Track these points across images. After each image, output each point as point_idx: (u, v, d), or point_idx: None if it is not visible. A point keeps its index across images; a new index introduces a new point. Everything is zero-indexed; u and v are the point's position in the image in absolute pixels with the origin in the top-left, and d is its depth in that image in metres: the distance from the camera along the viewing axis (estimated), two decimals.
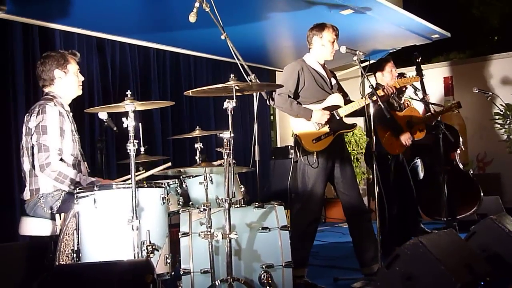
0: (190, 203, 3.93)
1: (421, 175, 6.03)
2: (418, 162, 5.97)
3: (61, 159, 3.57)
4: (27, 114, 3.72)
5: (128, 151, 2.99)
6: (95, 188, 3.09)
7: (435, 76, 8.86)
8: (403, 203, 5.34)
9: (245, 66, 3.76)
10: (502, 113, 7.35)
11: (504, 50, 8.59)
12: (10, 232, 4.42)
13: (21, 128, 3.80)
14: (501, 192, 7.68)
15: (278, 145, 9.25)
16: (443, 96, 8.73)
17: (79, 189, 3.18)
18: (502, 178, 7.94)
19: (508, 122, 7.12)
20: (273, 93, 4.11)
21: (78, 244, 3.11)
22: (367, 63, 7.84)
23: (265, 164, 7.89)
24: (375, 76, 5.47)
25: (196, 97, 6.23)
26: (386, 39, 7.47)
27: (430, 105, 5.53)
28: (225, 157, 3.09)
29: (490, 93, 6.41)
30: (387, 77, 5.30)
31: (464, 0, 10.77)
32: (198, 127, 4.22)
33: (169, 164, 3.97)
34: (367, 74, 4.20)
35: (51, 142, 3.54)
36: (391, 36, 7.28)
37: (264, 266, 3.21)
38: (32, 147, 3.60)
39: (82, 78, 3.93)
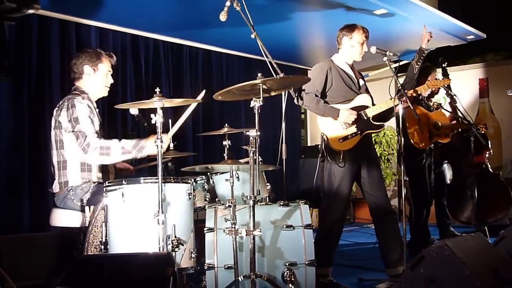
0: (216, 199, 3.97)
1: (449, 178, 5.97)
2: (445, 165, 5.91)
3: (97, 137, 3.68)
4: (56, 108, 3.83)
5: (156, 146, 3.06)
6: (124, 182, 3.17)
7: (470, 77, 8.73)
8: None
9: (274, 65, 3.78)
10: None
11: None
12: (43, 223, 4.55)
13: None
14: None
15: (308, 144, 9.25)
16: (478, 98, 8.59)
17: (108, 183, 3.26)
18: None
19: None
20: (302, 92, 4.12)
21: (106, 236, 3.20)
22: (402, 63, 7.86)
23: (295, 163, 7.91)
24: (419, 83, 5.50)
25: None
26: (420, 39, 7.35)
27: (458, 110, 5.48)
28: (251, 155, 3.12)
29: None
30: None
31: (502, 0, 10.53)
32: (226, 124, 4.26)
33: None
34: (398, 74, 4.18)
35: (86, 128, 3.65)
36: None
37: (287, 264, 3.23)
38: (63, 141, 3.72)
39: (111, 81, 4.01)
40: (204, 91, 3.91)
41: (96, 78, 3.91)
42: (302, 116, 9.30)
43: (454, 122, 5.58)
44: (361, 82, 4.39)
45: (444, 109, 5.57)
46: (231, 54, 7.49)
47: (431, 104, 5.59)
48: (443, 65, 5.58)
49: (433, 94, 5.58)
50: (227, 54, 7.46)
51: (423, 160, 5.30)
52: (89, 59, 3.89)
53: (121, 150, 3.61)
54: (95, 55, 3.92)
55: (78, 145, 3.63)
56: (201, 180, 4.03)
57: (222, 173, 4.05)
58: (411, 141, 5.18)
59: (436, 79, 5.19)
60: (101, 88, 3.96)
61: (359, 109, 4.20)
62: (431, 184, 5.46)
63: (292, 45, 7.35)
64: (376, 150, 8.37)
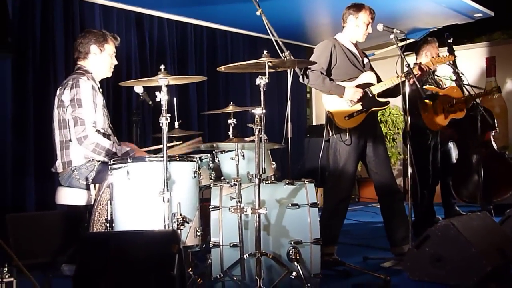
0: (222, 178, 3.97)
1: (454, 158, 5.94)
2: (451, 144, 5.87)
3: (97, 131, 3.66)
4: (60, 88, 3.83)
5: (161, 124, 3.05)
6: (129, 160, 3.17)
7: (477, 56, 8.63)
8: (433, 185, 5.34)
9: (280, 43, 3.74)
10: None
11: None
12: (48, 201, 4.57)
13: None
14: None
15: (314, 123, 9.23)
16: (485, 77, 8.51)
17: (113, 160, 3.26)
18: None
19: None
20: (307, 70, 4.09)
21: (111, 214, 3.21)
22: (408, 41, 7.78)
23: (300, 142, 7.90)
24: (418, 54, 5.43)
25: (231, 73, 6.25)
26: (427, 17, 7.30)
27: (467, 86, 5.42)
28: (256, 133, 3.11)
29: None
30: (433, 55, 5.25)
31: None
32: (232, 103, 4.24)
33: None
34: (405, 53, 4.13)
35: (86, 115, 3.65)
36: (432, 14, 7.11)
37: (292, 242, 3.22)
38: (67, 120, 3.71)
39: (115, 62, 4.02)
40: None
41: (102, 58, 3.92)
42: (308, 95, 9.26)
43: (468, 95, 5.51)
44: (365, 60, 4.36)
45: (452, 80, 5.50)
46: (235, 32, 7.44)
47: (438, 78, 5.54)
48: (449, 41, 5.50)
49: (433, 72, 5.51)
50: (231, 32, 7.41)
51: (428, 140, 5.27)
52: (96, 39, 3.90)
53: (113, 154, 3.65)
54: (102, 36, 3.93)
55: (74, 131, 3.64)
56: (206, 158, 4.03)
57: (228, 151, 4.04)
58: (425, 124, 5.13)
59: (438, 55, 5.13)
60: (106, 68, 3.96)
61: (364, 86, 4.16)
62: (436, 164, 5.42)
63: (297, 23, 7.29)
64: (382, 129, 8.37)
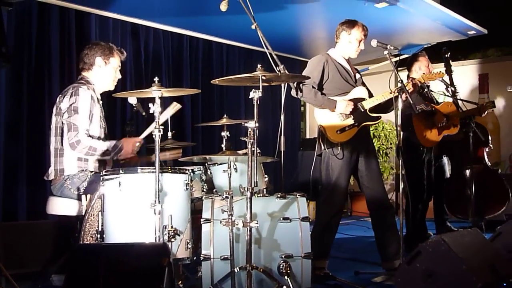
0: (214, 190, 3.97)
1: (448, 173, 5.96)
2: (445, 159, 5.90)
3: (90, 136, 3.71)
4: (60, 96, 3.86)
5: (153, 136, 3.05)
6: (121, 172, 3.17)
7: (471, 72, 8.70)
8: (427, 200, 5.35)
9: (274, 56, 3.76)
10: None
11: None
12: (39, 210, 4.55)
13: None
14: None
15: (308, 137, 9.24)
16: (478, 93, 8.57)
17: (105, 171, 3.26)
18: None
19: None
20: (300, 84, 4.11)
21: (102, 225, 3.20)
22: (402, 57, 7.84)
23: (294, 155, 7.91)
24: (410, 70, 5.46)
25: (226, 86, 6.27)
26: (421, 34, 7.37)
27: (461, 102, 5.46)
28: (249, 146, 3.11)
29: None
30: (424, 71, 5.28)
31: None
32: (225, 115, 4.25)
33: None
34: (398, 68, 4.16)
35: (80, 122, 3.68)
36: (426, 30, 7.18)
37: (283, 256, 3.23)
38: (61, 127, 3.74)
39: (119, 76, 4.07)
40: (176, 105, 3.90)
41: (106, 71, 3.97)
42: (302, 108, 9.29)
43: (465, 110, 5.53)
44: (357, 75, 4.41)
45: (447, 95, 5.53)
46: (231, 44, 7.45)
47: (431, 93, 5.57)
48: (446, 56, 5.54)
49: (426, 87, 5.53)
50: (227, 45, 7.42)
51: (422, 155, 5.29)
52: (102, 52, 3.95)
53: (105, 152, 3.70)
54: (108, 49, 3.98)
55: (67, 137, 3.66)
56: (199, 170, 4.02)
57: (220, 164, 4.04)
58: (419, 140, 5.15)
59: (430, 70, 5.16)
60: (109, 81, 4.01)
61: (356, 101, 4.19)
62: (431, 179, 5.43)
63: (293, 37, 7.32)
64: (375, 143, 8.39)
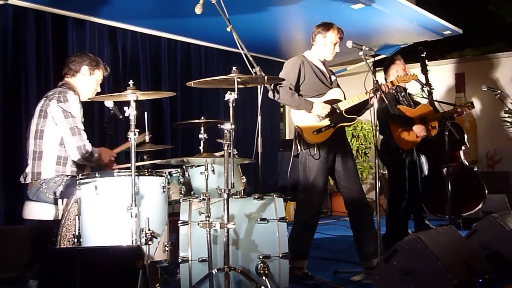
0: (192, 193, 3.97)
1: (426, 171, 6.03)
2: (423, 158, 5.97)
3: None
4: (45, 99, 3.85)
5: (129, 139, 3.05)
6: (97, 175, 3.16)
7: (448, 72, 8.81)
8: (410, 200, 5.40)
9: (250, 58, 3.78)
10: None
11: None
12: (16, 215, 4.51)
13: (31, 113, 3.90)
14: (510, 190, 7.62)
15: (287, 138, 9.28)
16: (455, 92, 8.69)
17: (81, 175, 3.25)
18: (511, 177, 7.88)
19: None
20: (278, 86, 4.13)
21: (79, 229, 3.19)
22: (378, 57, 7.91)
23: (274, 156, 7.94)
24: (387, 73, 5.51)
25: (206, 88, 6.27)
26: (398, 34, 7.45)
27: (438, 103, 5.52)
28: (225, 148, 3.13)
29: (499, 91, 6.36)
30: (400, 74, 5.32)
31: None
32: (203, 117, 4.25)
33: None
34: (377, 69, 4.21)
35: (80, 125, 3.78)
36: (403, 31, 7.26)
37: (261, 257, 3.25)
38: (41, 131, 3.76)
39: (99, 89, 4.12)
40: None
41: (89, 81, 4.02)
42: (282, 109, 9.32)
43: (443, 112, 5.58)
44: (333, 77, 4.44)
45: (424, 97, 5.58)
46: (210, 46, 7.47)
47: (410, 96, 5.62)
48: (422, 55, 5.60)
49: (403, 89, 5.58)
50: (206, 47, 7.43)
51: (402, 156, 5.32)
52: (90, 62, 4.02)
53: (95, 159, 3.82)
54: (95, 61, 4.07)
55: (73, 141, 3.71)
56: (176, 173, 4.03)
57: (198, 166, 4.05)
58: (397, 143, 5.20)
59: (406, 73, 5.20)
60: (89, 92, 4.06)
61: (332, 102, 4.23)
62: (413, 180, 5.48)
63: (271, 39, 7.36)
64: (354, 143, 8.46)
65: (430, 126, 5.38)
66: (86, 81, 4.00)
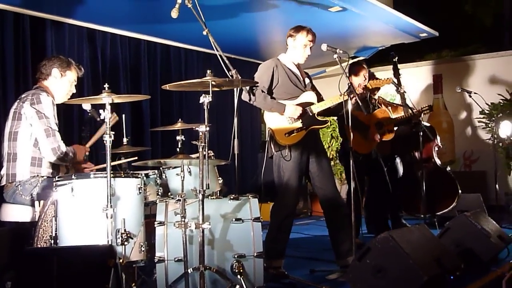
0: (169, 194, 4.03)
1: (401, 172, 6.14)
2: (397, 160, 6.08)
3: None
4: (18, 101, 3.87)
5: (104, 141, 3.10)
6: (73, 177, 3.20)
7: (425, 73, 8.95)
8: (379, 200, 5.49)
9: (226, 61, 3.82)
10: (487, 112, 7.46)
11: (495, 49, 8.67)
12: None
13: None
14: (487, 190, 7.78)
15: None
16: (432, 94, 8.82)
17: (58, 177, 3.29)
18: (488, 176, 8.03)
19: (493, 121, 7.21)
20: (254, 89, 4.19)
21: (56, 231, 3.23)
22: (355, 60, 8.00)
23: (254, 157, 7.99)
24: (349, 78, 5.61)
25: (185, 90, 6.31)
26: (375, 37, 7.56)
27: (407, 103, 5.61)
28: (200, 150, 3.19)
29: (473, 92, 6.49)
30: (360, 81, 5.42)
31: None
32: (180, 119, 4.29)
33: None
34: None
35: (54, 126, 3.79)
36: (380, 33, 7.37)
37: (236, 256, 3.31)
38: (15, 133, 3.79)
39: (74, 91, 4.14)
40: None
41: (61, 83, 4.04)
42: (262, 110, 9.35)
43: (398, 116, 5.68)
44: (307, 80, 4.49)
45: (390, 103, 5.68)
46: (190, 49, 7.49)
47: (375, 100, 5.68)
48: (394, 59, 5.70)
49: (374, 91, 5.66)
50: (185, 49, 7.46)
51: (359, 158, 5.36)
52: (60, 64, 4.03)
53: (69, 158, 3.84)
54: (66, 62, 4.07)
55: (48, 142, 3.73)
56: (153, 174, 4.07)
57: (175, 167, 4.10)
58: (353, 148, 5.26)
59: (375, 77, 5.28)
60: (63, 94, 4.07)
61: (305, 105, 4.29)
62: (385, 177, 5.57)
63: (250, 41, 7.39)
64: (334, 144, 8.54)
65: (387, 131, 5.49)
66: (58, 83, 4.02)
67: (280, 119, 4.24)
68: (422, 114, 5.62)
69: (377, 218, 5.72)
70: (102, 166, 4.12)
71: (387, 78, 4.79)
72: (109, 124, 3.11)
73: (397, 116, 5.60)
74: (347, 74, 4.21)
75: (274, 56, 4.55)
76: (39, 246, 3.27)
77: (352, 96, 4.22)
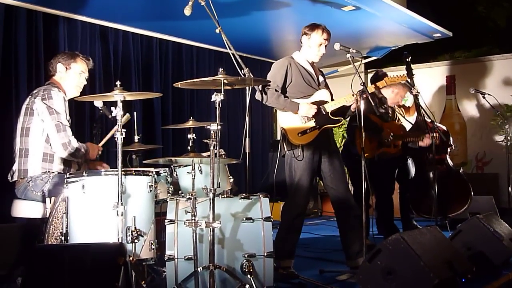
0: (179, 192, 4.02)
1: (412, 173, 6.10)
2: (409, 160, 6.04)
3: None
4: (30, 96, 3.90)
5: (116, 139, 3.10)
6: (84, 174, 3.21)
7: (438, 74, 8.88)
8: (383, 202, 5.48)
9: (239, 60, 3.82)
10: (501, 113, 7.38)
11: (509, 50, 8.59)
12: (4, 214, 4.53)
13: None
14: (499, 192, 7.71)
15: (279, 138, 9.32)
16: (445, 94, 8.76)
17: (69, 174, 3.29)
18: (500, 178, 7.96)
19: (506, 123, 7.13)
20: (265, 87, 4.17)
21: (66, 227, 3.23)
22: (368, 59, 7.98)
23: (265, 156, 7.97)
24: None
25: (197, 88, 6.31)
26: (388, 37, 7.52)
27: (421, 108, 5.56)
28: (211, 148, 3.18)
29: (486, 93, 6.42)
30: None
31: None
32: (191, 118, 4.29)
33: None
34: (368, 70, 4.25)
35: (65, 121, 3.80)
36: (393, 33, 7.33)
37: (246, 255, 3.29)
38: (27, 128, 3.81)
39: (84, 82, 4.13)
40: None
41: (68, 76, 4.03)
42: (274, 110, 9.34)
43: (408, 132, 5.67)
44: (321, 78, 4.46)
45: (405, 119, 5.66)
46: (201, 47, 7.49)
47: (393, 111, 5.66)
48: (407, 59, 5.65)
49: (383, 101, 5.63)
50: (197, 47, 7.46)
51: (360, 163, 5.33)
52: (63, 58, 4.04)
53: (82, 154, 3.85)
54: (70, 55, 4.08)
55: (58, 137, 3.74)
56: (164, 172, 4.07)
57: (186, 166, 4.09)
58: (357, 151, 5.23)
59: (386, 75, 5.25)
60: (73, 86, 4.06)
61: (318, 104, 4.25)
62: (389, 179, 5.54)
63: (263, 39, 7.39)
64: (337, 144, 8.49)
65: (393, 145, 5.48)
66: (65, 77, 4.02)
67: (293, 119, 4.22)
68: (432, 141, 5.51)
69: (383, 220, 5.69)
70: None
71: (403, 75, 4.74)
72: (121, 122, 3.10)
73: (409, 136, 5.59)
74: (359, 72, 4.15)
75: (286, 55, 4.53)
76: (49, 242, 3.27)
77: (364, 94, 4.18)
